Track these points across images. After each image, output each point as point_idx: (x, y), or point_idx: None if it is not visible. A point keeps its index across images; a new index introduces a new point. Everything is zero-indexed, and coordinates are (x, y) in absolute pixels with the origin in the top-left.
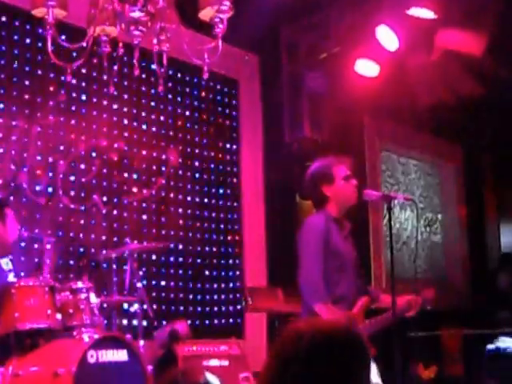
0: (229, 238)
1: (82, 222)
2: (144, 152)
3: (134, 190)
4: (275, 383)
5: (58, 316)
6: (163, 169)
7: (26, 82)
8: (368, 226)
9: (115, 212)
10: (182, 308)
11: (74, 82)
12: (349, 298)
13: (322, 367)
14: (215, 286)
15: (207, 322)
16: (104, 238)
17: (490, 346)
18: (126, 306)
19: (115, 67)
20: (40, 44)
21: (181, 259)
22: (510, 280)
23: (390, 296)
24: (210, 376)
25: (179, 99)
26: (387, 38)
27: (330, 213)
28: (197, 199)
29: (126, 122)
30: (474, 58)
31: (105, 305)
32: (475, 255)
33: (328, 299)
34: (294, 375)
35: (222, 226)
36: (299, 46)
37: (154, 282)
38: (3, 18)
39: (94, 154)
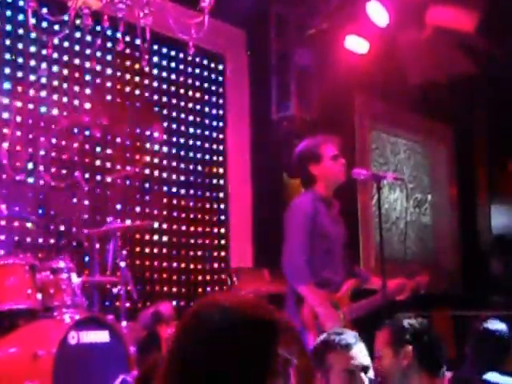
0: (214, 217)
1: (64, 199)
2: (128, 129)
3: (118, 167)
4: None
5: (39, 296)
6: (147, 146)
7: (6, 56)
8: (356, 206)
9: (98, 190)
10: (166, 289)
11: (55, 56)
12: (336, 281)
13: (223, 346)
14: (200, 266)
15: (192, 303)
16: (86, 216)
17: (480, 327)
18: (108, 286)
19: (98, 41)
20: (21, 17)
21: (165, 238)
22: (502, 263)
23: (378, 277)
24: None
25: (164, 74)
26: (377, 13)
27: (318, 192)
28: (182, 177)
29: (109, 97)
30: (466, 35)
31: (87, 285)
32: (465, 237)
33: (311, 281)
34: (194, 358)
35: (207, 205)
36: (288, 22)
37: (137, 262)
38: None
39: (76, 130)
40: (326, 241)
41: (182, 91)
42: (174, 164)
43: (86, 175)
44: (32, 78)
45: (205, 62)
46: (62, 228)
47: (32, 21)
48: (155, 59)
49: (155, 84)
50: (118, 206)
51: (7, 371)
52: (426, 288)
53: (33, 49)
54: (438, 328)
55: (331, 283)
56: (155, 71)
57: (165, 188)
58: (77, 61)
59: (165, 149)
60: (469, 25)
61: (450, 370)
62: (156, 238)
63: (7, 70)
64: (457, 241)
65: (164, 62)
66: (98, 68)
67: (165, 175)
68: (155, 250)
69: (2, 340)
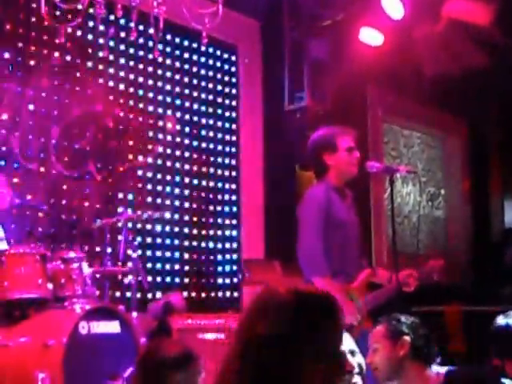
0: (226, 208)
1: (76, 189)
2: (140, 118)
3: (130, 157)
4: (243, 349)
5: (49, 286)
6: (160, 136)
7: (20, 44)
8: (369, 199)
9: (110, 180)
10: (177, 280)
11: (68, 44)
12: (350, 271)
13: (289, 327)
14: (212, 257)
15: (203, 294)
16: (98, 206)
17: (500, 322)
18: (119, 276)
19: (111, 30)
20: (34, 5)
21: (177, 229)
22: None
23: (385, 270)
24: None
25: (177, 65)
26: (392, 6)
27: (331, 182)
28: (194, 168)
29: (122, 87)
30: (482, 28)
31: (98, 275)
32: (478, 231)
33: (327, 273)
34: (262, 336)
35: (219, 197)
36: (302, 12)
37: (149, 253)
38: None
39: (88, 120)
40: (342, 230)
41: (194, 81)
42: (187, 155)
43: (98, 165)
44: (45, 66)
45: (218, 52)
46: (74, 218)
47: (45, 9)
48: (168, 49)
49: (168, 74)
50: (130, 197)
51: (18, 361)
52: (441, 275)
53: (45, 37)
54: (450, 322)
55: (345, 273)
56: (168, 61)
57: (177, 178)
58: (89, 50)
59: (177, 139)
60: (484, 18)
61: (459, 364)
62: (168, 228)
63: (19, 59)
64: (469, 234)
65: (177, 52)
66: (111, 57)
67: (177, 165)
68: (167, 241)
69: (12, 329)
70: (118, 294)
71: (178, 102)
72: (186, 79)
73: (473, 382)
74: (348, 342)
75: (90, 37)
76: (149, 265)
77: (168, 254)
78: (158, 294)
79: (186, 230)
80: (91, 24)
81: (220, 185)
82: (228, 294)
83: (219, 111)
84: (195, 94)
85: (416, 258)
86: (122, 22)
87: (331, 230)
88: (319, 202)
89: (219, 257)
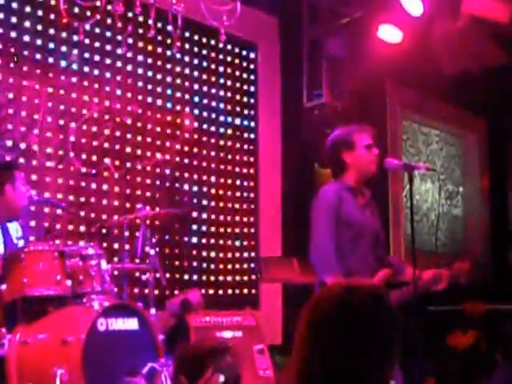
0: (244, 206)
1: (94, 186)
2: (158, 115)
3: (148, 154)
4: (306, 344)
5: (68, 282)
6: (178, 133)
7: (38, 42)
8: (387, 196)
9: (128, 177)
10: (195, 277)
11: (87, 41)
12: (363, 270)
13: (348, 327)
14: (229, 255)
15: (221, 291)
16: (116, 203)
17: None
18: (137, 273)
19: (129, 27)
20: (53, 2)
21: (195, 227)
22: None
23: (411, 268)
24: None
25: (196, 62)
26: (412, 3)
27: (347, 182)
28: (212, 165)
29: (140, 84)
30: (501, 25)
31: (116, 272)
32: (497, 229)
33: (339, 272)
34: (323, 335)
35: (237, 194)
36: (321, 10)
37: (167, 250)
38: None
39: (106, 117)
40: (352, 229)
41: (213, 79)
42: (204, 152)
43: (116, 162)
44: (63, 63)
45: (236, 49)
46: (92, 215)
47: (64, 6)
48: (186, 46)
49: (186, 71)
50: (148, 194)
51: (37, 357)
52: (467, 277)
53: (64, 34)
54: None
55: (359, 272)
56: (186, 58)
57: (195, 176)
58: (108, 47)
59: (195, 136)
60: (504, 15)
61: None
62: (186, 226)
63: (38, 56)
64: (488, 232)
65: (195, 49)
66: (129, 54)
67: (195, 163)
68: (185, 239)
69: (31, 326)
70: (136, 290)
71: (196, 99)
72: (205, 76)
73: None
74: None
75: (108, 34)
76: (167, 262)
77: (185, 251)
78: (176, 291)
79: (204, 228)
80: (109, 21)
81: (238, 182)
82: (246, 291)
83: (238, 109)
84: (213, 91)
85: (434, 256)
86: (140, 18)
87: (342, 229)
88: (328, 201)
89: (237, 254)
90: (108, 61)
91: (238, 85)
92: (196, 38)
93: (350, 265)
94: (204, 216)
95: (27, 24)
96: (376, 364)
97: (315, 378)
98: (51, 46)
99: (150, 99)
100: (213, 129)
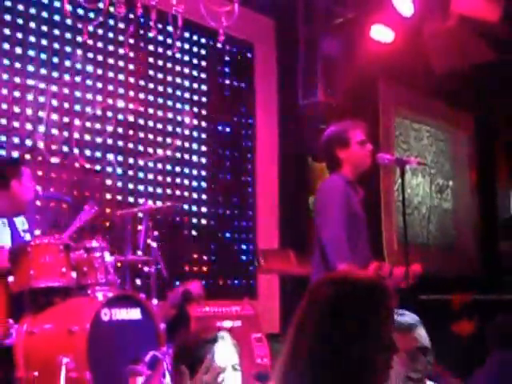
0: (242, 200)
1: (97, 181)
2: (159, 113)
3: (150, 150)
4: (306, 324)
5: (73, 274)
6: (178, 130)
7: (43, 42)
8: (379, 190)
9: (130, 172)
10: (195, 268)
11: (90, 42)
12: (360, 264)
13: (347, 309)
14: (229, 247)
15: (220, 282)
16: (119, 198)
17: None
18: (139, 265)
19: (131, 28)
20: (57, 4)
21: (195, 220)
22: None
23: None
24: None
25: (195, 61)
26: (403, 3)
27: (345, 175)
28: (211, 161)
29: (141, 83)
30: (490, 24)
31: (119, 264)
32: (486, 222)
33: (351, 260)
34: (323, 317)
35: (235, 189)
36: (316, 11)
37: (168, 243)
38: None
39: (109, 115)
40: (357, 221)
41: (211, 77)
42: (204, 148)
43: (119, 158)
44: (67, 63)
45: (234, 49)
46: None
47: (68, 8)
48: (186, 46)
49: (186, 70)
50: (150, 189)
51: (43, 346)
52: (416, 279)
53: (68, 35)
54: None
55: (357, 264)
56: (186, 58)
57: (194, 171)
58: (111, 47)
59: (195, 133)
60: (493, 14)
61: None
62: (186, 219)
63: (43, 56)
64: (477, 226)
65: (195, 49)
66: (131, 54)
67: (194, 159)
68: (185, 232)
69: (37, 316)
70: (138, 282)
71: (195, 97)
72: (204, 75)
73: None
74: (424, 340)
75: (110, 35)
76: (168, 254)
77: (186, 243)
78: (177, 283)
79: (204, 221)
80: (112, 22)
81: (236, 177)
82: (244, 282)
83: (235, 106)
84: (212, 89)
85: (426, 248)
86: (142, 20)
87: (350, 218)
88: (340, 189)
89: (235, 246)
90: (111, 60)
91: (235, 84)
92: (195, 38)
93: (351, 258)
94: (204, 209)
95: (32, 25)
96: (381, 349)
97: (316, 359)
98: (56, 46)
99: (151, 97)
100: (211, 126)
